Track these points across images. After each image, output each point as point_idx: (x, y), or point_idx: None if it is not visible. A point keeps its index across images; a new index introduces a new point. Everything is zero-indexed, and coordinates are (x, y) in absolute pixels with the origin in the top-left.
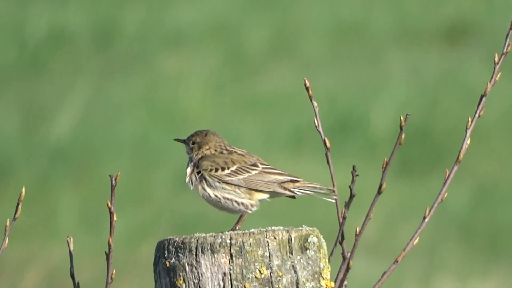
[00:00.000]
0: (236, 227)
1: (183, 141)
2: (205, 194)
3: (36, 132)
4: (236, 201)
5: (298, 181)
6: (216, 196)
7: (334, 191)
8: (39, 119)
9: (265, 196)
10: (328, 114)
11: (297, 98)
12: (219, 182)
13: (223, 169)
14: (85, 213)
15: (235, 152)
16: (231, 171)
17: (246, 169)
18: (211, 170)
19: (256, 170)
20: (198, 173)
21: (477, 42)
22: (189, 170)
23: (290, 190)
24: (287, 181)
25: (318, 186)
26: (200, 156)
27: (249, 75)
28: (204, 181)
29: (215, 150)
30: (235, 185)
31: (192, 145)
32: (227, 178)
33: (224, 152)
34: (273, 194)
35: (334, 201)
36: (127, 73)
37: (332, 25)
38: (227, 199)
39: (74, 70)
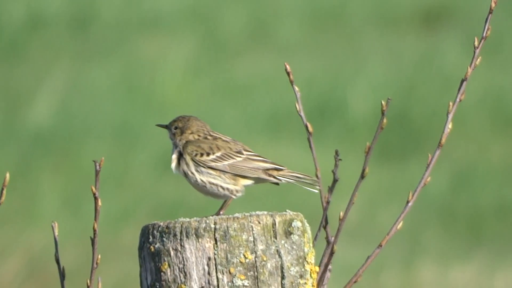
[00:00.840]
0: (220, 212)
1: (165, 126)
2: (192, 178)
3: (15, 117)
4: (221, 186)
5: (282, 169)
6: (202, 180)
7: (317, 181)
8: (18, 104)
9: (249, 182)
10: (307, 98)
11: (275, 82)
12: (204, 167)
13: (208, 154)
14: (66, 198)
15: (219, 138)
16: (216, 156)
17: (231, 155)
18: (196, 155)
19: (241, 157)
20: (183, 158)
21: (453, 26)
22: (174, 156)
23: (274, 177)
24: (272, 169)
25: (302, 176)
26: (184, 141)
27: (227, 59)
28: (190, 166)
29: (199, 136)
30: (220, 170)
31: (175, 130)
32: (212, 164)
33: (209, 137)
34: (257, 180)
35: (317, 191)
36: (105, 57)
37: (310, 9)
38: (213, 184)
39: (52, 55)
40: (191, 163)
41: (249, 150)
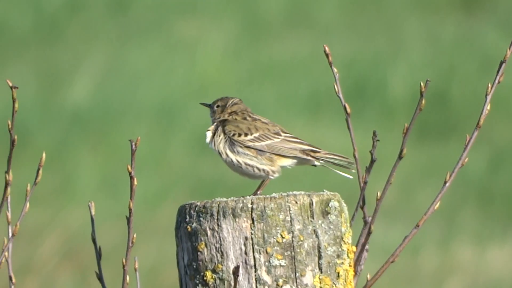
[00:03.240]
0: (258, 192)
1: (209, 105)
2: (227, 159)
3: (54, 98)
4: (257, 167)
5: (318, 151)
6: (238, 161)
7: (353, 163)
8: (57, 85)
9: (286, 163)
10: (346, 80)
11: (314, 64)
12: (241, 147)
13: (246, 135)
14: (103, 178)
15: (259, 119)
16: (254, 137)
17: (269, 136)
18: (233, 135)
19: (278, 138)
20: (218, 135)
21: (493, 8)
22: (209, 133)
23: (312, 157)
24: (309, 150)
25: (338, 157)
26: (223, 120)
27: (266, 40)
28: (226, 145)
29: (238, 116)
30: (257, 150)
31: (216, 108)
32: (250, 144)
33: (248, 118)
34: (294, 161)
35: (351, 177)
36: (144, 39)
37: None
38: (248, 165)
39: (90, 36)
40: (226, 143)
41: (287, 132)
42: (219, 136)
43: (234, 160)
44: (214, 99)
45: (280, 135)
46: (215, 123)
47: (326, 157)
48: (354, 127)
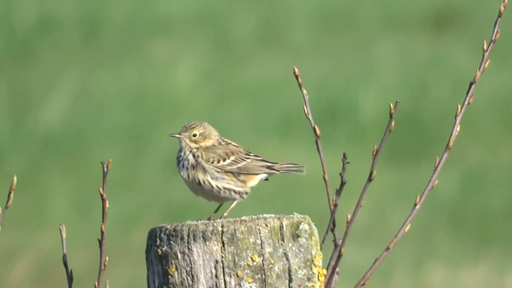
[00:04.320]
0: (225, 214)
1: (179, 135)
2: (206, 186)
3: (26, 119)
4: (234, 190)
5: (275, 164)
6: (217, 186)
7: (303, 167)
8: (28, 106)
9: (254, 183)
10: (317, 101)
11: (286, 85)
12: (220, 173)
13: (224, 160)
14: (75, 200)
15: (230, 143)
16: (231, 160)
17: (242, 158)
18: (212, 162)
19: (249, 158)
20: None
21: (464, 29)
22: (186, 162)
23: (275, 169)
24: (270, 165)
25: (292, 165)
26: (202, 148)
27: (238, 62)
28: (207, 174)
29: (216, 141)
30: (233, 173)
31: (194, 137)
32: (228, 168)
33: (222, 143)
34: (258, 180)
35: (304, 174)
36: (116, 61)
37: (320, 12)
38: (226, 189)
39: (63, 58)
40: (211, 170)
41: (250, 152)
42: (195, 165)
43: (214, 185)
44: (185, 123)
45: (249, 156)
46: (191, 152)
47: (284, 167)
48: (326, 149)
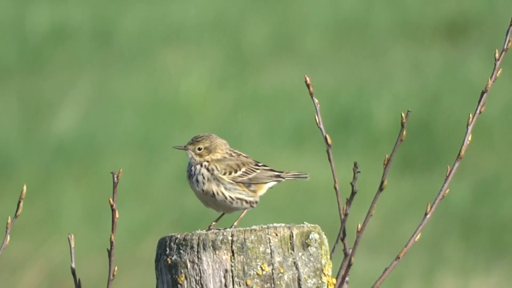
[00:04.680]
0: (235, 223)
1: (184, 148)
2: (219, 197)
3: (38, 128)
4: (245, 200)
5: (282, 172)
6: (230, 197)
7: (307, 174)
8: (41, 115)
9: (262, 192)
10: (330, 110)
11: (299, 95)
12: (232, 184)
13: (235, 171)
14: (87, 210)
15: (240, 154)
16: (242, 172)
17: (253, 169)
18: (225, 173)
19: (258, 169)
20: (213, 177)
21: (477, 38)
22: (201, 177)
23: (282, 177)
24: (277, 174)
25: (296, 173)
26: (211, 160)
27: (251, 71)
28: (221, 185)
29: (225, 154)
30: (243, 183)
31: (199, 151)
32: (240, 179)
33: (233, 154)
34: (267, 190)
35: (307, 179)
36: (129, 69)
37: (333, 21)
38: (239, 199)
39: (75, 66)
40: (224, 182)
41: (258, 162)
42: (210, 178)
43: (227, 196)
44: (195, 133)
45: (258, 166)
46: (204, 165)
47: (289, 176)
48: (339, 158)
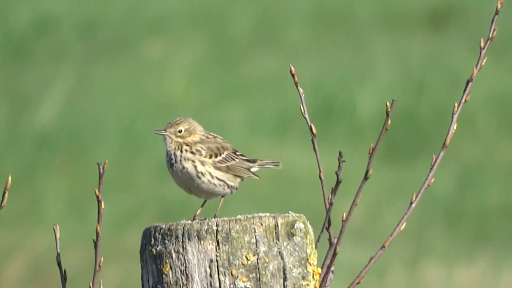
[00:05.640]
0: (217, 213)
1: (164, 132)
2: (205, 179)
3: (21, 119)
4: (227, 185)
5: (255, 161)
6: (217, 178)
7: (279, 162)
8: (24, 106)
9: (240, 179)
10: (314, 99)
11: (282, 84)
12: (213, 167)
13: (216, 156)
14: (70, 201)
15: (216, 137)
16: (222, 157)
17: (232, 156)
18: (206, 156)
19: (238, 158)
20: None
21: (460, 27)
22: (187, 162)
23: (254, 174)
24: (251, 165)
25: (269, 161)
26: (192, 143)
27: (234, 61)
28: (206, 166)
29: (203, 135)
30: (224, 171)
31: (180, 133)
32: (219, 165)
33: (210, 137)
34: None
35: (279, 168)
36: (112, 60)
37: (316, 11)
38: (223, 181)
39: (58, 57)
40: (209, 164)
41: (236, 151)
42: (192, 159)
43: (214, 177)
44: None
45: (236, 155)
46: (181, 150)
47: (262, 164)
48: (322, 147)
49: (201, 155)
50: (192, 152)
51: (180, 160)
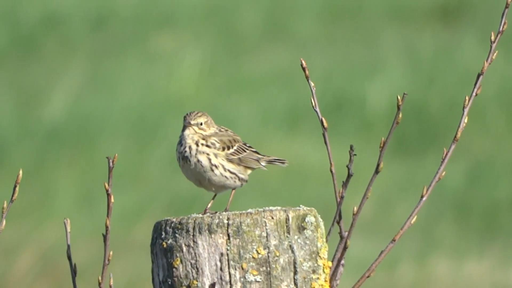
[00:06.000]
0: (227, 206)
1: (189, 124)
2: (217, 171)
3: (31, 113)
4: (238, 177)
5: (263, 156)
6: (229, 171)
7: (286, 160)
8: (34, 100)
9: (250, 171)
10: (324, 93)
11: (292, 78)
12: (226, 160)
13: (228, 148)
14: (80, 194)
15: (227, 130)
16: (234, 150)
17: (244, 148)
18: (219, 149)
19: (248, 149)
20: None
21: (471, 20)
22: (202, 156)
23: (262, 165)
24: (260, 158)
25: (276, 158)
26: (209, 135)
27: (244, 55)
28: (219, 158)
29: (217, 129)
30: (236, 163)
31: (201, 126)
32: (231, 157)
33: (222, 130)
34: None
35: (285, 166)
36: (121, 54)
37: (326, 4)
38: (234, 174)
39: (68, 51)
40: (222, 157)
41: (246, 143)
42: (207, 153)
43: (227, 168)
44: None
45: (246, 147)
46: (196, 143)
47: (268, 160)
48: (332, 141)
49: (215, 148)
50: (207, 146)
51: (196, 154)
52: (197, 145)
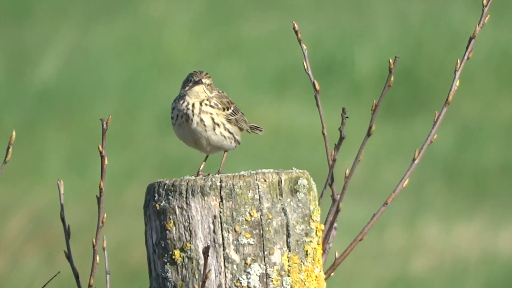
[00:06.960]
0: (220, 168)
1: (200, 82)
2: (217, 131)
3: (21, 76)
4: (235, 139)
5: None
6: (228, 131)
7: (263, 128)
8: (24, 63)
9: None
10: (313, 57)
11: (281, 41)
12: (226, 120)
13: (227, 109)
14: (71, 157)
15: (223, 92)
16: (231, 110)
17: (238, 109)
18: (220, 109)
19: (240, 111)
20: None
21: None
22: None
23: (256, 126)
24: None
25: (254, 125)
26: (209, 97)
27: (233, 18)
28: (220, 116)
29: (217, 91)
30: (233, 123)
31: (208, 86)
32: (230, 117)
33: (220, 92)
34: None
35: (261, 134)
36: (112, 17)
37: None
38: (232, 134)
39: (58, 14)
40: (223, 117)
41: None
42: (208, 111)
43: (228, 128)
44: (183, 77)
45: (238, 109)
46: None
47: (252, 125)
48: (322, 104)
49: (218, 108)
50: (211, 106)
51: (199, 113)
52: (201, 105)
